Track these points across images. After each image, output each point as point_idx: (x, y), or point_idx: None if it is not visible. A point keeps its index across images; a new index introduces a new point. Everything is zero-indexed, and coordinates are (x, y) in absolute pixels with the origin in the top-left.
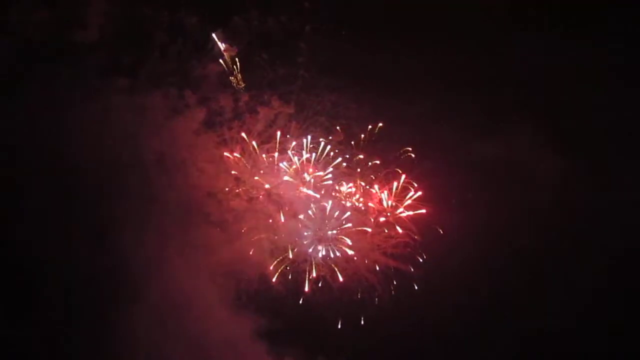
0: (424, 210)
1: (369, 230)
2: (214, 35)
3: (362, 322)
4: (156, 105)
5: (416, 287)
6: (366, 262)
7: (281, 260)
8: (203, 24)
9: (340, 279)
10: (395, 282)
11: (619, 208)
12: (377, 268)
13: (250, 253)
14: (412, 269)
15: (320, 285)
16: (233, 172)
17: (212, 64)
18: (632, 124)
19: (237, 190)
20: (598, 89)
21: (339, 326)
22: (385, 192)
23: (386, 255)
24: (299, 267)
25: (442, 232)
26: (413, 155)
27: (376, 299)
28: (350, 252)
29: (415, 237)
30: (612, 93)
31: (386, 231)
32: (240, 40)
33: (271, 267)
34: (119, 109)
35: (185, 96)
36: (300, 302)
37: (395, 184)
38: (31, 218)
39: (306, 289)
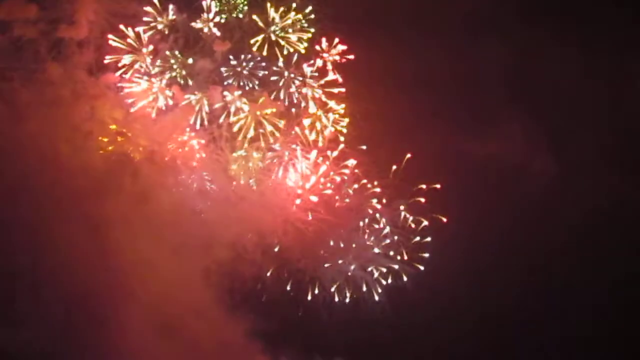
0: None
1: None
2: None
3: (358, 322)
4: (145, 103)
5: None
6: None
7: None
8: (192, 21)
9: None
10: (389, 281)
11: (610, 207)
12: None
13: (244, 252)
14: (407, 268)
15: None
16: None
17: (202, 61)
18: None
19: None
20: (590, 88)
21: (335, 325)
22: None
23: (379, 254)
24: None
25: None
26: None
27: (371, 298)
28: None
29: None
30: (603, 92)
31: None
32: (231, 36)
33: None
34: (108, 107)
35: (175, 93)
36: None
37: None
38: (19, 218)
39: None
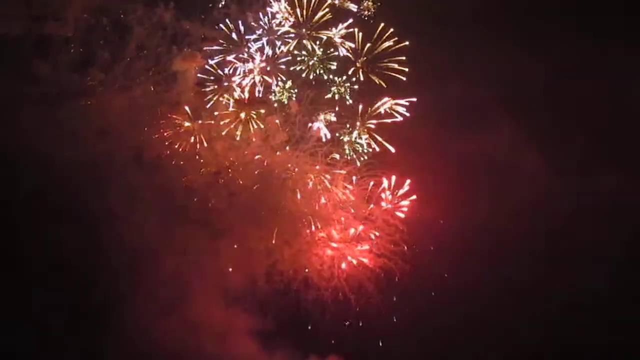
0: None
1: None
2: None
3: (354, 321)
4: (133, 100)
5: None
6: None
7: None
8: (181, 18)
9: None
10: (384, 281)
11: (600, 207)
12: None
13: (237, 251)
14: (400, 268)
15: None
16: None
17: (191, 58)
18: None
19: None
20: (580, 86)
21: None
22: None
23: (373, 253)
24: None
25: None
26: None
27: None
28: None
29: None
30: (594, 90)
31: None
32: (219, 35)
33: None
34: (96, 105)
35: (163, 91)
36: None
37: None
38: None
39: None
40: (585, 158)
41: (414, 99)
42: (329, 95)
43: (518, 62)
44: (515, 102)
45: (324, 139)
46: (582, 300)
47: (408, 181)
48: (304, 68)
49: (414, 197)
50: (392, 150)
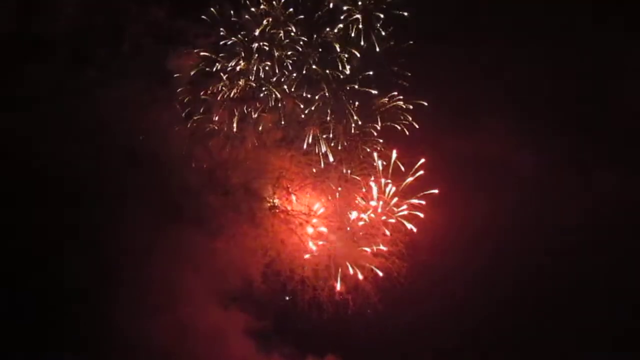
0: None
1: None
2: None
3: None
4: (127, 99)
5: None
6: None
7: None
8: (175, 16)
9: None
10: (382, 280)
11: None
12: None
13: (232, 251)
14: (398, 268)
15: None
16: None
17: (185, 56)
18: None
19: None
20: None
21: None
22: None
23: (370, 252)
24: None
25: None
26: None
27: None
28: None
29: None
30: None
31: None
32: (214, 32)
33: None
34: (88, 104)
35: (156, 90)
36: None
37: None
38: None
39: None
40: (586, 158)
41: (425, 103)
42: (317, 106)
43: (517, 61)
44: (513, 102)
45: (322, 164)
46: (582, 301)
47: (420, 171)
48: (298, 68)
49: (432, 190)
50: (402, 168)
